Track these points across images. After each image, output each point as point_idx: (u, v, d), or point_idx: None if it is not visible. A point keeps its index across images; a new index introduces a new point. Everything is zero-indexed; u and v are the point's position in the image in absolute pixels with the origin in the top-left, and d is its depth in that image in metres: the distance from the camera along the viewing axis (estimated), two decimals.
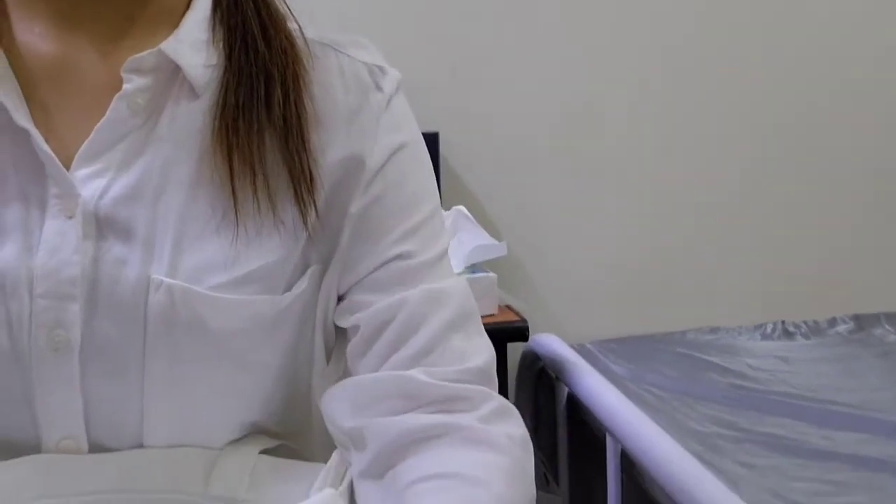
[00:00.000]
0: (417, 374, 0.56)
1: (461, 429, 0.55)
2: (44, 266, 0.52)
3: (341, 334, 0.62)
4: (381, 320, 0.58)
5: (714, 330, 1.69)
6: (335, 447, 0.61)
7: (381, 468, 0.56)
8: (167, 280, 0.54)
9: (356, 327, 0.59)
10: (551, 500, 1.38)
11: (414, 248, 0.59)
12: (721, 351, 1.55)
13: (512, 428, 0.57)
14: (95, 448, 0.56)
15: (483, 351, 0.59)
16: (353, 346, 0.59)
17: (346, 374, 0.61)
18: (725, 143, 1.77)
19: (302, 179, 0.57)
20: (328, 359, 0.62)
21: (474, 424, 0.55)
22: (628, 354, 1.50)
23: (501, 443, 0.55)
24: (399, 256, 0.59)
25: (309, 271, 0.58)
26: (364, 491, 0.56)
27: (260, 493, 0.58)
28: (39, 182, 0.53)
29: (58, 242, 0.53)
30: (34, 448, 0.55)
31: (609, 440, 1.16)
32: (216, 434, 0.59)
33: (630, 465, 1.14)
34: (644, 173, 1.74)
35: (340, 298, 0.61)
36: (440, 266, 0.61)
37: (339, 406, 0.58)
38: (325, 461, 0.59)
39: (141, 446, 0.57)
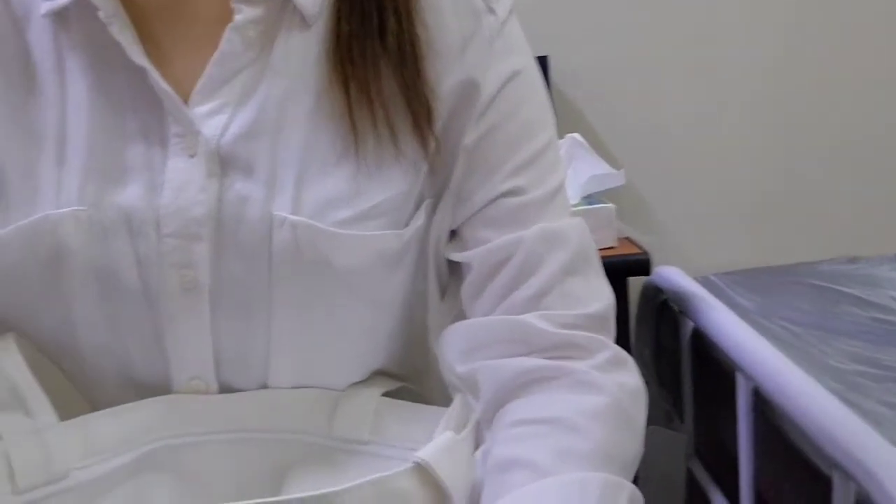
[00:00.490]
0: (532, 318, 0.54)
1: (572, 373, 0.53)
2: (170, 205, 0.52)
3: (455, 271, 0.61)
4: (496, 260, 0.56)
5: (853, 260, 1.57)
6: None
7: (492, 413, 0.54)
8: (290, 217, 0.52)
9: (469, 266, 0.57)
10: (675, 437, 1.34)
11: (527, 182, 0.57)
12: (861, 283, 1.45)
13: (625, 377, 0.54)
14: (223, 388, 0.56)
15: (602, 296, 0.57)
16: (466, 286, 0.58)
17: (460, 314, 0.60)
18: (860, 57, 1.62)
19: (420, 109, 0.55)
20: (442, 296, 0.61)
21: (589, 371, 0.53)
22: (757, 287, 1.42)
23: (611, 391, 0.53)
24: (511, 192, 0.57)
25: (423, 205, 0.57)
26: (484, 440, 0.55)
27: (383, 434, 0.57)
28: (159, 121, 0.53)
29: (182, 181, 0.52)
30: (164, 388, 0.56)
31: (740, 378, 1.10)
32: (340, 375, 0.58)
33: (762, 404, 1.08)
34: (775, 93, 1.61)
35: (453, 233, 0.59)
36: (555, 202, 0.58)
37: (451, 350, 0.57)
38: (445, 404, 0.58)
39: (266, 387, 0.57)
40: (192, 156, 0.53)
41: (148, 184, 0.52)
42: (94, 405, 0.57)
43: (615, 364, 0.55)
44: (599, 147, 1.47)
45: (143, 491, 0.54)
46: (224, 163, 0.53)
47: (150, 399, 0.55)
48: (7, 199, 0.53)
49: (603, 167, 1.29)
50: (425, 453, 0.49)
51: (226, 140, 0.53)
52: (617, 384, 0.54)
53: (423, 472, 0.48)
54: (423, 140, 0.55)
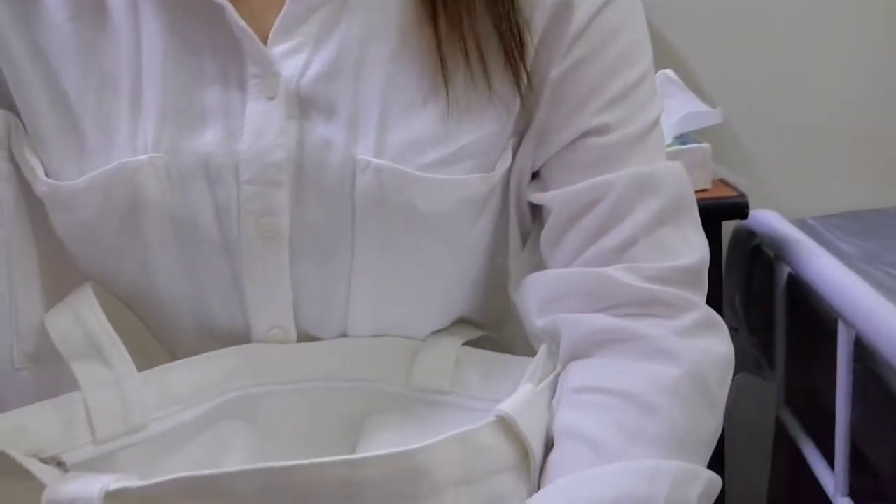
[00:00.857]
0: (614, 271, 0.51)
1: (650, 339, 0.49)
2: (249, 150, 0.50)
3: (537, 217, 0.58)
4: (579, 204, 0.53)
5: None
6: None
7: (565, 365, 0.52)
8: (374, 160, 0.50)
9: (549, 209, 0.54)
10: (765, 385, 1.30)
11: (615, 120, 0.53)
12: None
13: (713, 343, 0.51)
14: (302, 338, 0.55)
15: (696, 249, 0.53)
16: (546, 231, 0.55)
17: (540, 263, 0.57)
18: None
19: (513, 42, 0.51)
20: (523, 242, 0.58)
21: (668, 336, 0.49)
22: (859, 231, 1.35)
23: (692, 361, 0.49)
24: (598, 130, 0.53)
25: (509, 143, 0.54)
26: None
27: (463, 385, 0.56)
28: (237, 62, 0.51)
29: (261, 125, 0.50)
30: (244, 338, 0.55)
31: (841, 326, 1.05)
32: (420, 323, 0.57)
33: (865, 355, 1.03)
34: (880, 31, 1.51)
35: (535, 174, 0.56)
36: (648, 142, 0.54)
37: (529, 301, 0.55)
38: (526, 353, 0.56)
39: (345, 336, 0.55)
40: (271, 98, 0.50)
41: (226, 129, 0.51)
42: (174, 355, 0.56)
43: (703, 327, 0.51)
44: (693, 83, 1.40)
45: (221, 440, 0.54)
46: (304, 105, 0.51)
47: (227, 349, 0.54)
48: (83, 146, 0.52)
49: (698, 105, 1.23)
50: (508, 406, 0.47)
51: (305, 81, 0.51)
52: (700, 352, 0.50)
53: (506, 425, 0.47)
54: (516, 76, 0.52)
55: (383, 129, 0.51)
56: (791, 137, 1.52)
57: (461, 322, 0.60)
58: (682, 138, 1.20)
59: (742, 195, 1.14)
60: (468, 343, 0.58)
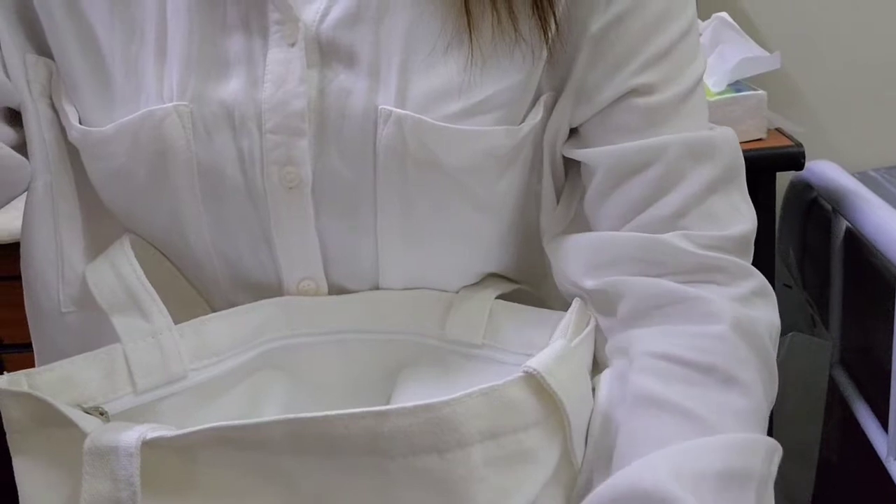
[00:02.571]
0: (672, 238, 0.50)
1: (711, 302, 0.49)
2: (271, 99, 0.50)
3: (572, 172, 0.57)
4: (629, 165, 0.52)
5: None
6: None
7: (626, 330, 0.52)
8: (396, 110, 0.49)
9: (594, 168, 0.53)
10: (818, 343, 1.26)
11: (659, 79, 0.52)
12: None
13: (770, 313, 0.51)
14: (334, 290, 0.55)
15: (746, 218, 0.53)
16: (592, 191, 0.53)
17: (576, 218, 0.56)
18: None
19: None
20: (557, 199, 0.57)
21: (725, 302, 0.49)
22: None
23: (762, 333, 0.49)
24: (641, 90, 0.52)
25: (542, 99, 0.53)
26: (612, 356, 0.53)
27: (497, 338, 0.56)
28: (259, 8, 0.50)
29: (283, 73, 0.50)
30: (276, 289, 0.55)
31: None
32: (451, 278, 0.57)
33: None
34: None
35: (573, 131, 0.54)
36: (693, 101, 0.53)
37: (574, 263, 0.54)
38: (563, 307, 0.55)
39: (377, 289, 0.55)
40: (291, 45, 0.50)
41: (249, 77, 0.50)
42: (213, 307, 0.57)
43: (760, 296, 0.51)
44: (749, 27, 1.35)
45: (258, 390, 0.54)
46: (324, 52, 0.50)
47: (262, 301, 0.54)
48: (112, 94, 0.52)
49: (755, 49, 1.17)
50: (536, 362, 0.46)
51: (325, 26, 0.50)
52: (765, 324, 0.50)
53: (534, 380, 0.46)
54: (543, 21, 0.50)
55: (405, 79, 0.50)
56: (852, 84, 1.46)
57: (495, 275, 0.59)
58: (736, 85, 1.15)
59: (799, 145, 1.10)
60: (502, 296, 0.57)
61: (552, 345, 0.49)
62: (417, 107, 0.50)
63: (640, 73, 0.52)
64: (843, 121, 1.45)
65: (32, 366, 0.61)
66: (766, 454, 0.46)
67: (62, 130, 0.55)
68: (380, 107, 0.50)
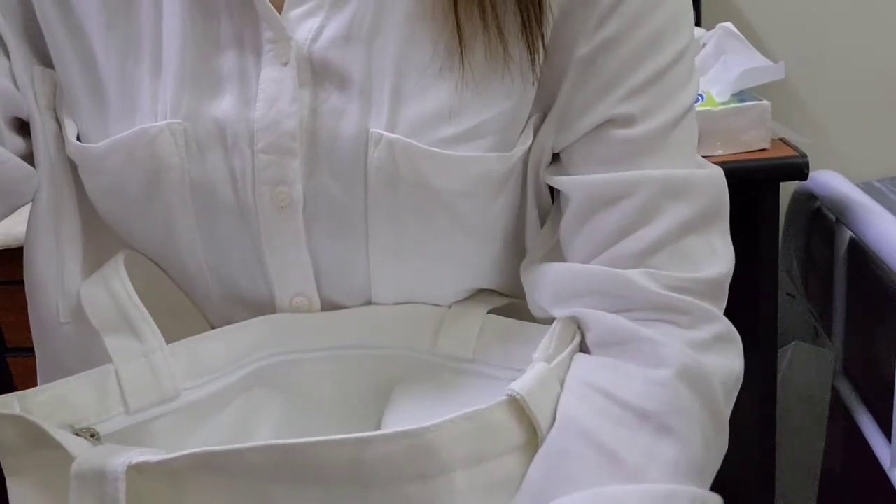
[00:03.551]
0: (636, 276, 0.49)
1: (659, 345, 0.48)
2: (263, 118, 0.50)
3: (554, 198, 0.56)
4: (602, 197, 0.51)
5: None
6: None
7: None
8: (387, 134, 0.49)
9: (569, 197, 0.52)
10: (821, 353, 1.26)
11: (641, 110, 0.50)
12: None
13: (729, 360, 0.50)
14: (327, 306, 0.55)
15: (721, 260, 0.51)
16: (566, 219, 0.53)
17: (556, 245, 0.56)
18: None
19: (530, 5, 0.48)
20: (541, 223, 0.56)
21: (676, 344, 0.48)
22: None
23: (709, 381, 0.48)
24: (621, 121, 0.50)
25: (531, 121, 0.52)
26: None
27: (487, 353, 0.55)
28: (252, 26, 0.50)
29: (275, 92, 0.50)
30: (269, 305, 0.55)
31: None
32: (443, 294, 0.57)
33: None
34: None
35: (555, 156, 0.54)
36: (675, 135, 0.51)
37: (541, 292, 0.54)
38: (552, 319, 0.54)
39: (370, 303, 0.55)
40: (284, 64, 0.50)
41: (242, 95, 0.50)
42: (209, 321, 0.57)
43: (723, 341, 0.50)
44: (753, 37, 1.35)
45: (252, 408, 0.54)
46: (316, 71, 0.50)
47: (254, 319, 0.54)
48: (107, 110, 0.52)
49: (759, 59, 1.17)
50: (519, 385, 0.46)
51: (318, 46, 0.50)
52: (722, 372, 0.49)
53: (517, 405, 0.46)
54: (531, 43, 0.49)
55: (397, 101, 0.50)
56: (856, 94, 1.45)
57: (488, 290, 0.59)
58: (740, 95, 1.15)
59: (803, 155, 1.09)
60: (495, 310, 0.57)
61: (534, 368, 0.49)
62: (409, 131, 0.50)
63: (623, 102, 0.50)
64: (847, 131, 1.45)
65: (36, 371, 0.61)
66: (693, 498, 0.45)
67: (65, 143, 0.55)
68: (371, 130, 0.49)
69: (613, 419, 0.47)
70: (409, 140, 0.49)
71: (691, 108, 0.53)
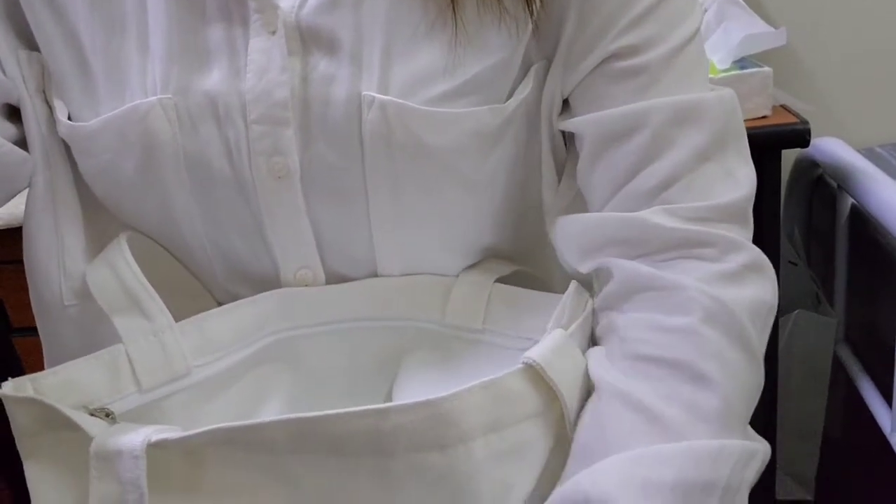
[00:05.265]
0: (651, 215, 0.48)
1: (682, 289, 0.47)
2: (254, 89, 0.49)
3: (572, 147, 0.55)
4: (611, 133, 0.50)
5: None
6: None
7: (605, 316, 0.51)
8: (379, 96, 0.48)
9: (581, 138, 0.52)
10: (823, 321, 1.26)
11: (643, 39, 0.49)
12: None
13: (760, 287, 0.48)
14: (333, 278, 0.55)
15: (741, 184, 0.50)
16: (581, 162, 0.52)
17: (580, 193, 0.55)
18: None
19: None
20: (559, 174, 0.56)
21: (701, 285, 0.47)
22: None
23: (736, 315, 0.46)
24: (624, 53, 0.49)
25: (532, 70, 0.51)
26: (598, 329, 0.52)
27: (496, 323, 0.55)
28: None
29: (264, 62, 0.49)
30: (274, 279, 0.55)
31: None
32: (448, 261, 0.56)
33: None
34: None
35: (565, 102, 0.53)
36: (681, 61, 0.50)
37: (567, 248, 0.53)
38: (563, 286, 0.54)
39: (376, 276, 0.55)
40: (272, 33, 0.49)
41: (231, 67, 0.50)
42: (216, 298, 0.57)
43: (753, 270, 0.48)
44: (753, 3, 1.33)
45: (262, 383, 0.54)
46: (305, 39, 0.49)
47: (260, 295, 0.54)
48: (96, 90, 0.52)
49: (760, 26, 1.16)
50: (536, 353, 0.46)
51: (305, 12, 0.49)
52: (752, 303, 0.47)
53: (533, 372, 0.46)
54: None
55: (387, 63, 0.49)
56: (858, 60, 1.44)
57: (494, 258, 0.59)
58: (741, 62, 1.14)
59: (804, 122, 1.09)
60: (502, 279, 0.57)
61: (550, 334, 0.49)
62: (401, 91, 0.49)
63: (624, 34, 0.50)
64: (849, 97, 1.44)
65: (41, 350, 0.61)
66: (738, 461, 0.44)
67: (56, 125, 0.55)
68: (363, 93, 0.49)
69: (646, 376, 0.46)
70: (402, 101, 0.49)
71: (696, 34, 0.51)
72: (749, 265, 0.49)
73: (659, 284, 0.48)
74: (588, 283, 0.55)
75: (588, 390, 0.49)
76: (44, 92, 0.55)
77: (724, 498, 0.43)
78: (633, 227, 0.49)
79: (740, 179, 0.50)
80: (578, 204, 0.55)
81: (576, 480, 0.44)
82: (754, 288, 0.48)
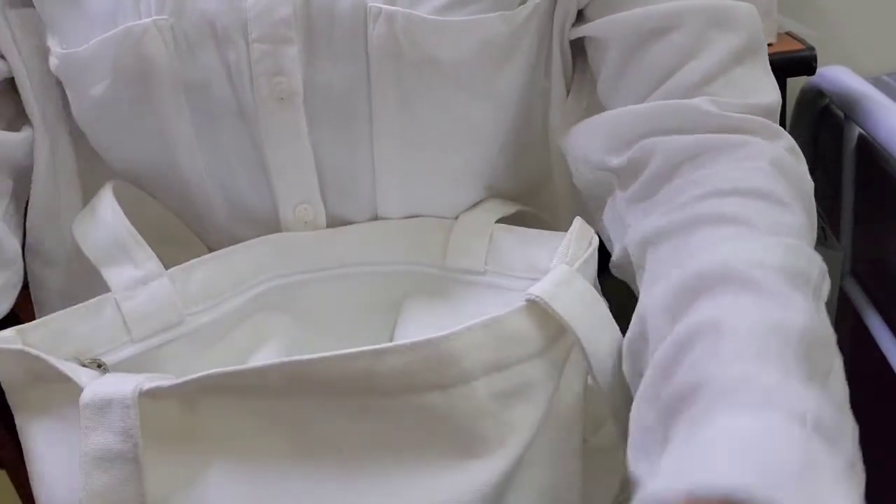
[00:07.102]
0: (701, 103, 0.49)
1: (751, 146, 0.48)
2: (255, 6, 0.48)
3: (580, 64, 0.54)
4: (646, 30, 0.49)
5: None
6: (578, 207, 0.55)
7: (655, 187, 0.49)
8: (385, 7, 0.47)
9: (605, 42, 0.51)
10: (829, 254, 1.24)
11: None
12: None
13: (804, 168, 0.50)
14: (332, 219, 0.54)
15: (771, 90, 0.51)
16: (607, 72, 0.51)
17: (589, 109, 0.55)
18: None
19: None
20: (567, 92, 0.55)
21: (770, 147, 0.49)
22: None
23: (797, 173, 0.49)
24: None
25: None
26: (628, 217, 0.51)
27: (499, 264, 0.54)
28: None
29: None
30: (272, 217, 0.54)
31: None
32: (450, 196, 0.55)
33: None
34: None
35: (580, 15, 0.53)
36: None
37: (594, 145, 0.52)
38: (565, 223, 0.53)
39: (376, 218, 0.54)
40: None
41: None
42: (209, 245, 0.56)
43: (794, 154, 0.50)
44: None
45: (259, 331, 0.53)
46: None
47: (256, 240, 0.53)
48: (89, 16, 0.50)
49: None
50: (539, 289, 0.45)
51: None
52: (805, 173, 0.50)
53: (537, 308, 0.45)
54: None
55: None
56: None
57: (494, 198, 0.58)
58: None
59: (810, 49, 1.07)
60: (503, 220, 0.56)
61: (554, 270, 0.47)
62: (408, 1, 0.48)
63: None
64: (856, 24, 1.41)
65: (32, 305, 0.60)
66: (820, 267, 0.45)
67: (56, 85, 0.54)
68: (369, 4, 0.47)
69: (732, 201, 0.46)
70: (409, 10, 0.47)
71: None
72: (790, 149, 0.51)
73: (721, 143, 0.48)
74: (591, 219, 0.54)
75: (600, 324, 0.47)
76: (40, 51, 0.54)
77: (814, 294, 0.44)
78: (682, 113, 0.49)
79: (770, 86, 0.52)
80: (592, 114, 0.55)
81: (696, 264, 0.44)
82: (802, 165, 0.51)
